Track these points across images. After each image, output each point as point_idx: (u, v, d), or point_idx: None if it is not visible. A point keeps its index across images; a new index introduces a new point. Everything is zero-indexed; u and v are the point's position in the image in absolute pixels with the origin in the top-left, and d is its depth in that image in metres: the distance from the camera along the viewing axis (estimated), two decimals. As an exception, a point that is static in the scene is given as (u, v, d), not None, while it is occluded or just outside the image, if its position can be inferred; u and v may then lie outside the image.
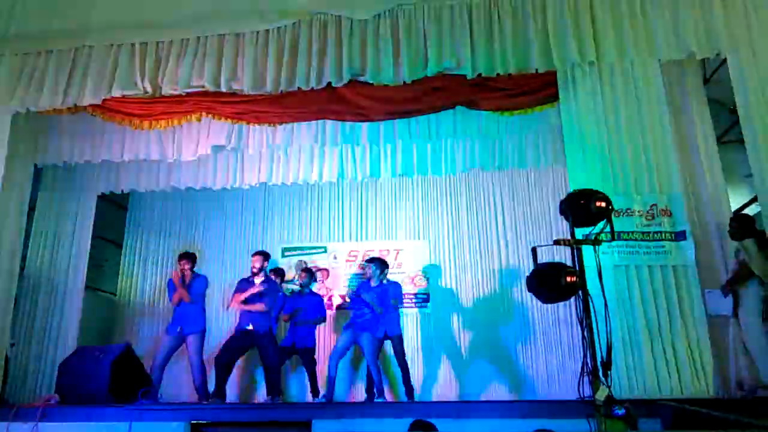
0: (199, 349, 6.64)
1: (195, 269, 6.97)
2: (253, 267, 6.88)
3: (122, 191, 8.15)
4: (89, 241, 7.76)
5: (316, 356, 7.25)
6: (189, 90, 5.86)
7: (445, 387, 7.80)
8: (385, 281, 7.05)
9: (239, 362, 7.16)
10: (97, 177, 7.84)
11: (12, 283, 6.38)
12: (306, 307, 7.23)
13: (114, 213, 8.97)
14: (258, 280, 6.84)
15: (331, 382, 6.65)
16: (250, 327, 6.62)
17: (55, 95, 5.95)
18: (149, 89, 5.86)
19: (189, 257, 6.91)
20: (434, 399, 7.54)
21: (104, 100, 5.96)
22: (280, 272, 7.79)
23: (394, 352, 6.99)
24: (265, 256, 7.02)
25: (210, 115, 6.50)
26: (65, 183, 7.70)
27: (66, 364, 5.92)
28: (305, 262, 8.37)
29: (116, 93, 5.87)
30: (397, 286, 7.20)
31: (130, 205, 9.14)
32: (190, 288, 6.73)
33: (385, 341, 6.97)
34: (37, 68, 6.10)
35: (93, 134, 7.06)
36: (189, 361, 6.72)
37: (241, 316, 6.79)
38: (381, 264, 7.09)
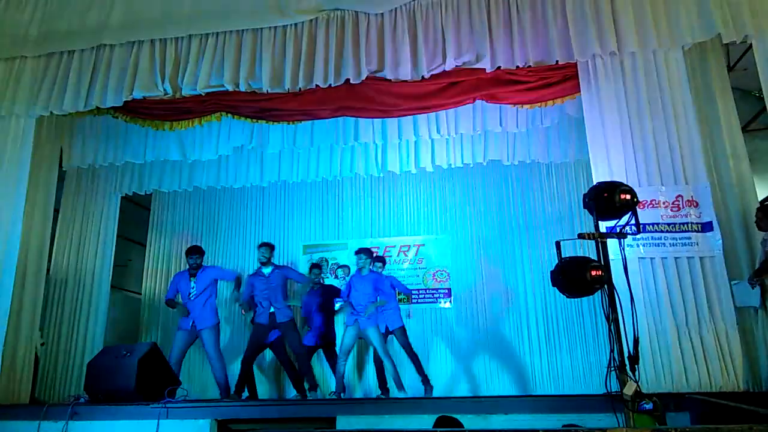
0: (215, 343, 6.68)
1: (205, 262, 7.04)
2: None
3: (145, 192, 8.25)
4: (114, 242, 7.86)
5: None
6: (208, 90, 5.89)
7: (468, 382, 7.79)
8: (380, 272, 7.15)
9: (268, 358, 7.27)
10: (121, 178, 7.94)
11: (40, 284, 6.47)
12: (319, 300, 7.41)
13: (137, 213, 9.09)
14: (267, 270, 6.87)
15: (340, 379, 6.70)
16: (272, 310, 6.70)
17: (77, 98, 6.03)
18: (169, 90, 5.91)
19: (197, 250, 6.96)
20: (458, 394, 7.53)
21: (126, 101, 6.03)
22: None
23: (400, 344, 7.03)
24: (271, 246, 7.02)
25: (230, 115, 6.55)
26: (89, 185, 7.82)
27: (94, 364, 5.99)
28: (326, 260, 8.41)
29: (137, 95, 5.94)
30: (393, 278, 7.38)
31: (153, 205, 9.24)
32: (199, 279, 6.78)
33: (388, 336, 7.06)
34: (59, 70, 6.18)
35: (116, 136, 7.17)
36: (207, 356, 6.78)
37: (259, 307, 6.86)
38: (368, 253, 7.04)
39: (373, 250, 7.59)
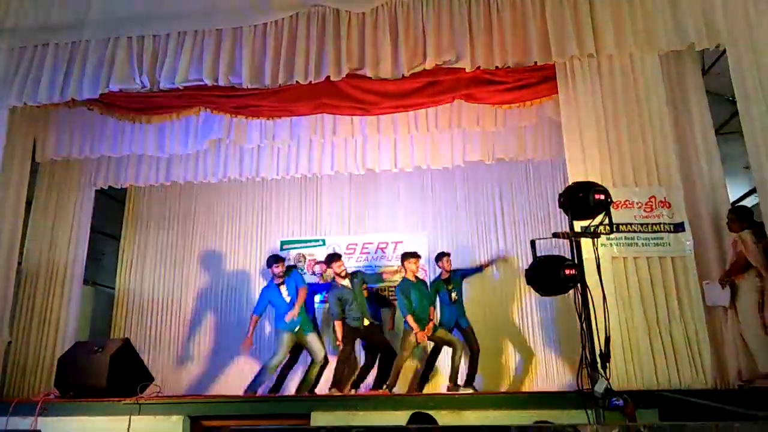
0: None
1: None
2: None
3: (121, 185, 8.13)
4: (87, 236, 7.72)
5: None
6: (187, 84, 5.84)
7: (443, 379, 7.80)
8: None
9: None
10: (96, 171, 7.80)
11: (10, 278, 6.35)
12: None
13: (112, 207, 8.95)
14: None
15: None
16: None
17: (53, 89, 5.94)
18: (147, 84, 5.84)
19: (281, 259, 6.94)
20: (433, 391, 7.55)
21: (102, 94, 5.94)
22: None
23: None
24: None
25: (208, 110, 6.50)
26: (63, 177, 7.64)
27: (65, 359, 5.91)
28: (304, 255, 8.39)
29: (114, 87, 5.86)
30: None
31: (129, 199, 9.11)
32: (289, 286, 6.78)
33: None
34: (34, 62, 6.09)
35: (91, 128, 7.04)
36: (311, 355, 6.74)
37: None
38: None
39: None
